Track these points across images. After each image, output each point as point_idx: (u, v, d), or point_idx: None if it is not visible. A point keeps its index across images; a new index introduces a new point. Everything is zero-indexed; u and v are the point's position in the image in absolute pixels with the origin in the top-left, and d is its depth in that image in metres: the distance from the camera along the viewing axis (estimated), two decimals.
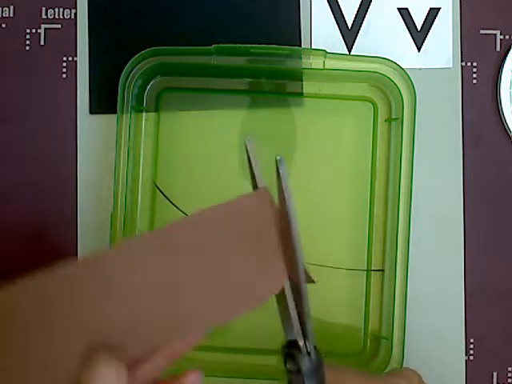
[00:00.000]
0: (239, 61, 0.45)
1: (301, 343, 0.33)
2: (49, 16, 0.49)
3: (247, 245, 0.32)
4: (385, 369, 0.44)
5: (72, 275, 0.27)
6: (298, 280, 0.33)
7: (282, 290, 0.33)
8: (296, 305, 0.33)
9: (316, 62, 0.45)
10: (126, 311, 0.29)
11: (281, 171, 0.31)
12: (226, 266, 0.31)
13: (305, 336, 0.34)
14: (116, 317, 0.28)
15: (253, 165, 0.33)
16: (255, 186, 0.33)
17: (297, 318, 0.33)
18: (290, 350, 0.34)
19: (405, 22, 0.48)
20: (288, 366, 0.34)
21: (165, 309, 0.30)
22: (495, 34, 0.48)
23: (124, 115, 0.45)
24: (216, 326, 0.31)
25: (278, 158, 0.31)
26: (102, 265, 0.28)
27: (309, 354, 0.34)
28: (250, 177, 0.33)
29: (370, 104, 0.47)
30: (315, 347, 0.34)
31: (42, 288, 0.26)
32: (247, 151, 0.33)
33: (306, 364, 0.33)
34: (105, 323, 0.28)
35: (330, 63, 0.45)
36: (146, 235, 0.29)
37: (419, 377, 0.40)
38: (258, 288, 0.32)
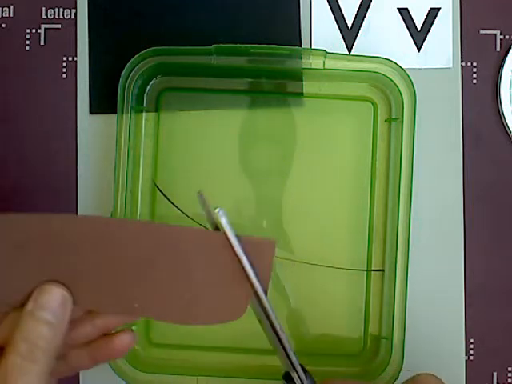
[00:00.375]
0: (239, 61, 0.45)
1: (293, 375, 0.35)
2: (49, 16, 0.49)
3: (207, 270, 0.34)
4: (385, 369, 0.44)
5: (60, 224, 0.32)
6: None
7: (265, 328, 0.35)
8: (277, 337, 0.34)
9: (316, 62, 0.45)
10: (88, 272, 0.33)
11: (223, 224, 0.33)
12: (185, 278, 0.34)
13: (295, 369, 0.35)
14: (75, 272, 0.33)
15: (207, 215, 0.34)
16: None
17: (283, 352, 0.34)
18: (287, 382, 0.35)
19: (405, 22, 0.48)
20: None
21: (117, 287, 0.33)
22: (495, 34, 0.48)
23: (124, 115, 0.45)
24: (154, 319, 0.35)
25: (217, 210, 0.33)
26: (81, 225, 0.33)
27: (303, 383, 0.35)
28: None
29: (370, 104, 0.47)
30: (310, 376, 0.35)
31: (37, 224, 0.32)
32: (202, 204, 0.34)
33: None
34: (64, 273, 0.32)
35: (330, 63, 0.45)
36: (132, 221, 0.34)
37: (439, 381, 0.39)
38: (215, 309, 0.34)
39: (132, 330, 0.35)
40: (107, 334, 0.34)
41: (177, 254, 0.33)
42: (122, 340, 0.34)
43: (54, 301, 0.32)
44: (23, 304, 0.32)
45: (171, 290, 0.34)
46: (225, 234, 0.33)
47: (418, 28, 0.48)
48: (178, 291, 0.34)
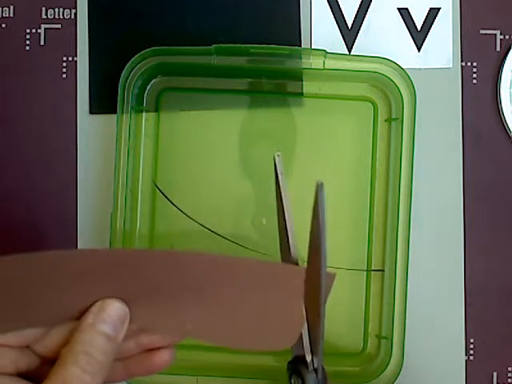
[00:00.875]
0: (239, 61, 0.45)
1: (308, 359, 0.34)
2: (49, 16, 0.49)
3: (267, 301, 0.33)
4: (385, 369, 0.44)
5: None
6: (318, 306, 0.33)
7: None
8: (308, 323, 0.33)
9: (316, 62, 0.45)
10: (144, 292, 0.32)
11: (319, 197, 0.30)
12: (244, 308, 0.33)
13: (313, 354, 0.34)
14: (131, 291, 0.32)
15: (280, 183, 0.32)
16: (280, 206, 0.33)
17: (307, 333, 0.33)
18: (297, 366, 0.34)
19: (405, 22, 0.48)
20: (293, 381, 0.34)
21: (172, 308, 0.33)
22: (495, 34, 0.48)
23: (124, 115, 0.45)
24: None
25: (319, 182, 0.30)
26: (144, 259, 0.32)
27: (315, 371, 0.34)
28: (275, 191, 0.33)
29: (370, 104, 0.47)
30: (322, 366, 0.34)
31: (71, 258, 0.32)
32: (275, 167, 0.32)
33: (311, 381, 0.34)
34: (121, 291, 0.32)
35: (330, 63, 0.45)
36: (196, 253, 0.33)
37: None
38: (267, 337, 0.34)
39: (172, 347, 0.34)
40: (147, 350, 0.34)
41: (240, 285, 0.33)
42: (163, 357, 0.34)
43: (114, 315, 0.32)
44: (78, 317, 0.32)
45: (228, 317, 0.34)
46: (315, 210, 0.31)
47: (418, 28, 0.48)
48: (235, 319, 0.34)
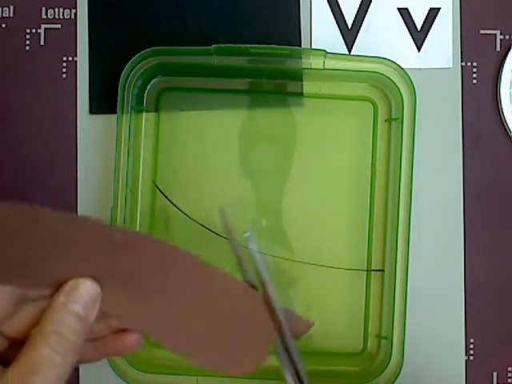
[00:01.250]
0: (239, 61, 0.45)
1: None
2: (49, 16, 0.49)
3: (233, 317, 0.34)
4: (385, 369, 0.44)
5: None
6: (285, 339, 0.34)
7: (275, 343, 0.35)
8: (288, 354, 0.35)
9: (316, 62, 0.45)
10: (118, 278, 0.33)
11: (250, 247, 0.33)
12: (210, 320, 0.34)
13: (301, 382, 0.35)
14: (106, 274, 0.32)
15: (230, 237, 0.34)
16: (239, 261, 0.34)
17: (291, 367, 0.35)
18: None
19: (405, 22, 0.48)
20: None
21: (142, 303, 0.33)
22: (495, 34, 0.48)
23: (124, 115, 0.45)
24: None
25: (247, 235, 0.33)
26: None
27: None
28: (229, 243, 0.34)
29: (370, 104, 0.47)
30: None
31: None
32: (223, 222, 0.34)
33: None
34: (95, 271, 0.32)
35: (330, 63, 0.45)
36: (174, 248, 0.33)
37: None
38: (230, 358, 0.35)
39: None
40: (118, 331, 0.34)
41: (210, 295, 0.34)
42: (134, 338, 0.34)
43: (86, 294, 0.31)
44: (52, 294, 0.32)
45: (195, 327, 0.34)
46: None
47: (418, 28, 0.48)
48: (201, 329, 0.34)
